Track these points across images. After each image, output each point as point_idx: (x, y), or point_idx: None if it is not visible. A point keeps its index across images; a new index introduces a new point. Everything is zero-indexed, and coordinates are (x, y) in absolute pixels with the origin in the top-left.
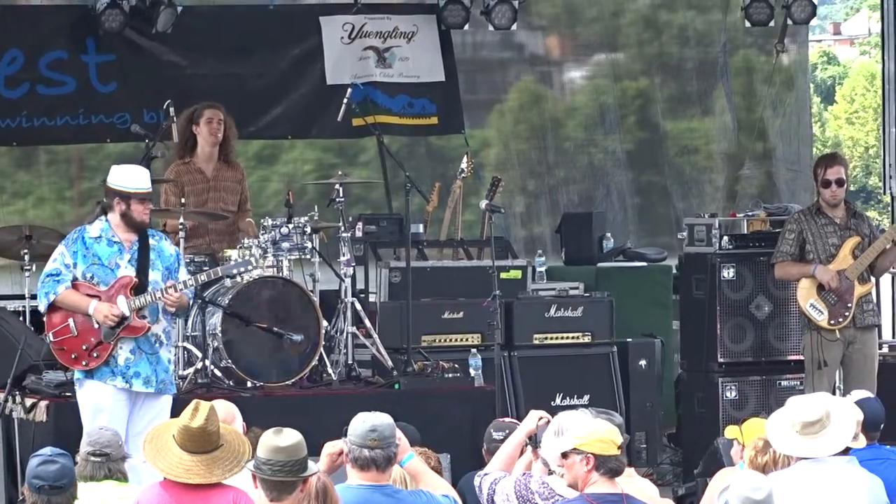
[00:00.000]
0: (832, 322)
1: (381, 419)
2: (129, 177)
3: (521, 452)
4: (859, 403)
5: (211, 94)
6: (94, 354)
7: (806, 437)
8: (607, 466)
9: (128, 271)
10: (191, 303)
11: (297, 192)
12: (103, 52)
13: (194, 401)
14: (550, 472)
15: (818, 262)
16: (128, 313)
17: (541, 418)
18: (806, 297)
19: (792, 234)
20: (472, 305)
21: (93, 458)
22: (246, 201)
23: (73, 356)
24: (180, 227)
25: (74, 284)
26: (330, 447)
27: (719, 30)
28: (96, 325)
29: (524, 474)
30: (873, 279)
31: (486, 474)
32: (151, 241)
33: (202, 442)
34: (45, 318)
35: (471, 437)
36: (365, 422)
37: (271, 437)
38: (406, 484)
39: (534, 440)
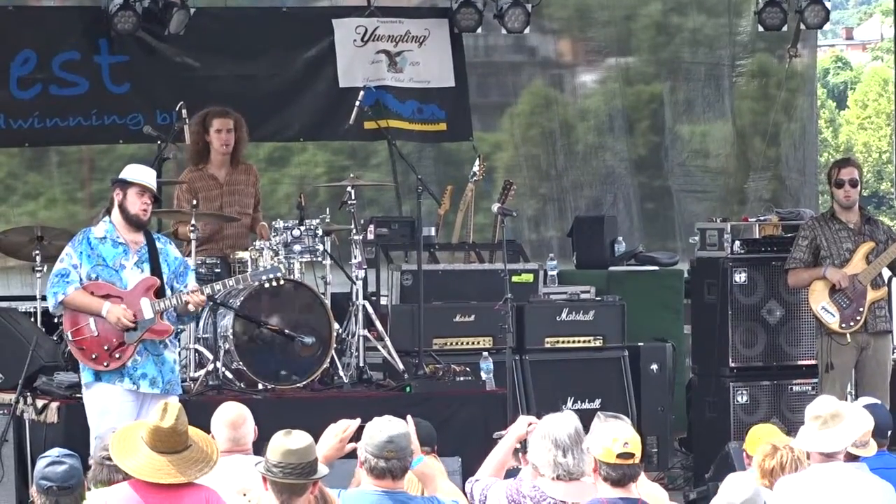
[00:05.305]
0: (843, 325)
1: (398, 429)
2: (135, 171)
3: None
4: (866, 409)
5: (223, 96)
6: (116, 355)
7: (812, 430)
8: (606, 472)
9: (134, 272)
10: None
11: (309, 194)
12: (116, 52)
13: (162, 401)
14: (541, 476)
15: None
16: (151, 315)
17: (530, 423)
18: (818, 300)
19: (805, 240)
20: (483, 309)
21: (108, 463)
22: (258, 203)
23: (93, 356)
24: (191, 230)
25: (93, 284)
26: (336, 429)
27: (730, 34)
28: None
29: (516, 479)
30: (886, 286)
31: (477, 480)
32: (158, 244)
33: (172, 442)
34: (62, 317)
35: (482, 441)
36: (381, 432)
37: (282, 439)
38: (414, 486)
39: (524, 445)
